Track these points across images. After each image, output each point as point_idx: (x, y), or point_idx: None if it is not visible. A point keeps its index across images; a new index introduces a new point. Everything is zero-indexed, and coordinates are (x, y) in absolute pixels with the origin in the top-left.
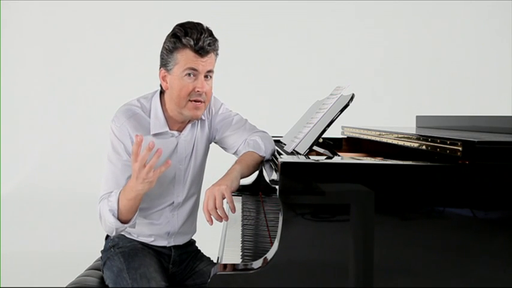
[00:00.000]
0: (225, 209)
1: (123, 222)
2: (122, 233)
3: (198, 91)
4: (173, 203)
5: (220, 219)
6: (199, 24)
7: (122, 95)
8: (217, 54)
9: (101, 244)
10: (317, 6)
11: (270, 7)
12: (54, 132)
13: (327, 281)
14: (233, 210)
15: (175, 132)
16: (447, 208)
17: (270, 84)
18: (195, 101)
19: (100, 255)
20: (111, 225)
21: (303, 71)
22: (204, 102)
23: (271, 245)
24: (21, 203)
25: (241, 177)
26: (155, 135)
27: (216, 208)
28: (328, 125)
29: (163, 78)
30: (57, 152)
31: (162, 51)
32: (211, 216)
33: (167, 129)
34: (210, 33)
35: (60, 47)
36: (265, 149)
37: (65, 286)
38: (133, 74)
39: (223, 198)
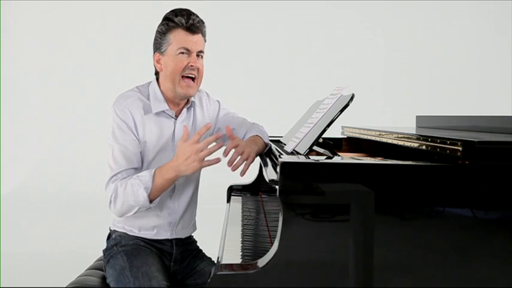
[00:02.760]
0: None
1: (150, 201)
2: (124, 231)
3: (191, 65)
4: (174, 187)
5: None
6: (187, 9)
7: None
8: (205, 39)
9: (101, 244)
10: (318, 6)
11: (270, 7)
12: (53, 133)
13: (327, 281)
14: (242, 174)
15: (174, 114)
16: (447, 208)
17: (270, 84)
18: (188, 77)
19: (101, 254)
20: (137, 203)
21: (303, 71)
22: (195, 79)
23: (271, 245)
24: (21, 203)
25: (258, 153)
26: (156, 114)
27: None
28: (328, 125)
29: (158, 61)
30: (56, 152)
31: (155, 36)
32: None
33: (167, 106)
34: (198, 16)
35: (60, 49)
36: (267, 137)
37: (65, 286)
38: (133, 74)
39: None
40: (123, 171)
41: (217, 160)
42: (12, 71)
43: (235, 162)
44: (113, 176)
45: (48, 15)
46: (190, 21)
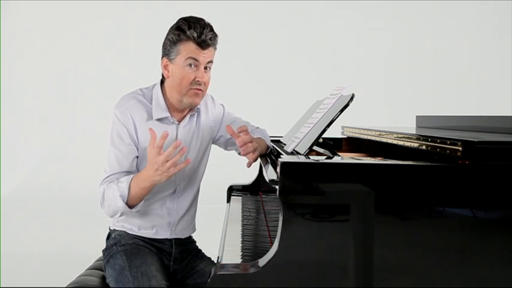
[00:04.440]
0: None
1: (130, 207)
2: (124, 230)
3: (198, 80)
4: (175, 191)
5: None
6: (201, 20)
7: (121, 95)
8: (215, 48)
9: (101, 244)
10: (318, 6)
11: (270, 7)
12: (53, 133)
13: (327, 281)
14: (248, 165)
15: (175, 120)
16: (447, 208)
17: (270, 84)
18: (195, 89)
19: (101, 254)
20: (118, 209)
21: (303, 71)
22: (202, 91)
23: (271, 245)
24: (21, 203)
25: (260, 154)
26: (158, 120)
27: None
28: (328, 125)
29: (166, 67)
30: (56, 152)
31: (165, 42)
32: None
33: (168, 114)
34: (211, 29)
35: (60, 48)
36: (269, 140)
37: (65, 286)
38: (133, 74)
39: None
40: (114, 174)
41: (187, 162)
42: (12, 71)
43: (245, 145)
44: (105, 178)
45: (48, 15)
46: (203, 37)
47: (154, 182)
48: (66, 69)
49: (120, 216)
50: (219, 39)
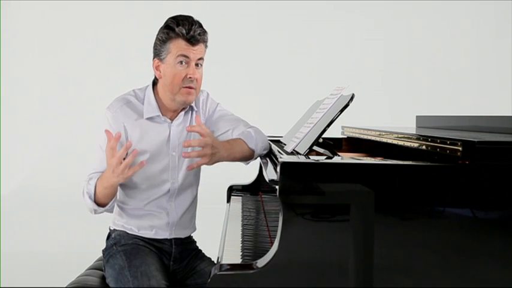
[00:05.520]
0: None
1: (100, 205)
2: (124, 230)
3: (190, 77)
4: (169, 190)
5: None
6: (190, 17)
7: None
8: (206, 45)
9: (101, 244)
10: (318, 6)
11: (270, 7)
12: (53, 133)
13: (327, 281)
14: (189, 168)
15: (168, 119)
16: (447, 208)
17: (270, 84)
18: (188, 87)
19: (101, 254)
20: (89, 206)
21: (303, 71)
22: (195, 88)
23: (271, 245)
24: (21, 203)
25: (222, 159)
26: (148, 119)
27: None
28: (328, 125)
29: (157, 67)
30: (57, 152)
31: (155, 42)
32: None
33: (159, 113)
34: (200, 25)
35: (60, 48)
36: (255, 142)
37: (65, 286)
38: (133, 74)
39: (208, 162)
40: (94, 173)
41: (141, 165)
42: (12, 71)
43: (188, 152)
44: (88, 175)
45: (48, 15)
46: (191, 33)
47: (113, 182)
48: (67, 69)
49: (95, 213)
50: (218, 38)
